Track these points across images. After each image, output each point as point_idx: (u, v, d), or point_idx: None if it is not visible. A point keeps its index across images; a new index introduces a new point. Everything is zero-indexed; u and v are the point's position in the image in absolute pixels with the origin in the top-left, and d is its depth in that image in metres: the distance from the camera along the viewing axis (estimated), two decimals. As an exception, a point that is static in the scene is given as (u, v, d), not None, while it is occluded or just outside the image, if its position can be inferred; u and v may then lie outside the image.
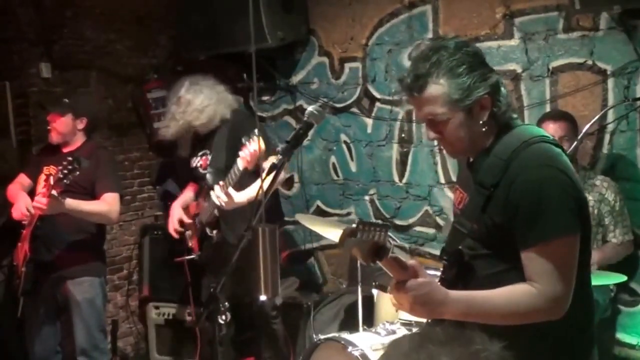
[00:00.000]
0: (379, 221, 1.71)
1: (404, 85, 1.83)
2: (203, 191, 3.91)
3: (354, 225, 1.65)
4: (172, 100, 3.92)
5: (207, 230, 3.85)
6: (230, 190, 3.55)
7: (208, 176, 3.83)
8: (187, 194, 4.15)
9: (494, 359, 0.99)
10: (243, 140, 3.39)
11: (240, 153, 3.42)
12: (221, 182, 3.60)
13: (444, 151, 2.02)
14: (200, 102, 3.80)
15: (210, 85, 3.88)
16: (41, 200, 3.37)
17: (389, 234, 1.68)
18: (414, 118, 4.26)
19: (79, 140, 3.80)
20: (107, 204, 3.67)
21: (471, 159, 1.92)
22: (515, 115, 1.89)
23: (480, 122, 1.80)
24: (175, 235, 4.04)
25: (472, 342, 1.01)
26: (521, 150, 1.75)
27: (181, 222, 4.03)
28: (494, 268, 1.80)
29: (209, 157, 3.90)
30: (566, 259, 1.69)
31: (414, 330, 3.09)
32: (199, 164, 3.98)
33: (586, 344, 1.84)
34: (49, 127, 3.75)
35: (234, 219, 3.71)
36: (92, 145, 3.86)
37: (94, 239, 3.84)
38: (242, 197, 3.61)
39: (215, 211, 3.75)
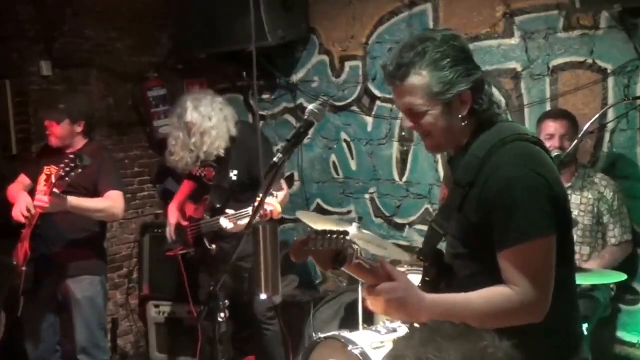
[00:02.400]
0: (338, 229, 1.67)
1: (386, 73, 1.80)
2: (206, 204, 3.89)
3: (305, 235, 1.62)
4: (178, 124, 3.77)
5: (206, 242, 3.83)
6: (240, 222, 3.54)
7: (212, 194, 3.81)
8: (182, 194, 4.15)
9: (501, 356, 1.00)
10: (260, 194, 3.36)
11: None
12: (231, 212, 3.59)
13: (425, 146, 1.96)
14: (213, 125, 3.69)
15: (212, 101, 3.77)
16: (42, 199, 3.34)
17: (349, 239, 1.65)
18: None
19: (80, 142, 3.78)
20: (111, 200, 3.65)
21: (451, 156, 1.89)
22: (498, 112, 1.84)
23: (460, 117, 1.76)
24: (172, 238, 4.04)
25: (481, 338, 1.02)
26: (497, 148, 1.71)
27: (178, 225, 4.03)
28: (474, 269, 1.77)
29: (214, 171, 3.87)
30: (541, 261, 1.65)
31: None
32: (202, 174, 3.93)
33: (576, 342, 1.80)
34: (47, 133, 3.73)
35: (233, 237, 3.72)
36: (94, 146, 3.85)
37: (95, 237, 3.82)
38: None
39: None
